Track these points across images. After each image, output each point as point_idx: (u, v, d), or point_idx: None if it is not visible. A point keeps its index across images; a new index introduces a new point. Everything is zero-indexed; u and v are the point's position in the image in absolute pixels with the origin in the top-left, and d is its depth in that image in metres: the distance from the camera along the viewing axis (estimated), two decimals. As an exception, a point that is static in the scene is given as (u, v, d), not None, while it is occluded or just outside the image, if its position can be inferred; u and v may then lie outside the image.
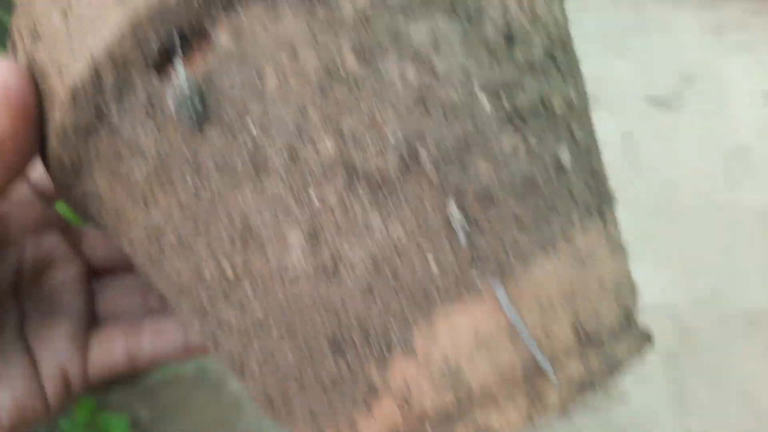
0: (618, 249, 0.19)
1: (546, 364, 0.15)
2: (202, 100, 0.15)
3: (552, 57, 0.17)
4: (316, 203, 0.15)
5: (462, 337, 0.15)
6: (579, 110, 0.18)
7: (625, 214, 1.12)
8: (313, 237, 0.15)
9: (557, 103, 0.17)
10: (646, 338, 0.19)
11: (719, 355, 0.98)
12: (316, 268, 0.15)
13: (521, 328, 0.15)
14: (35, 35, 0.16)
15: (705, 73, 1.82)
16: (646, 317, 0.89)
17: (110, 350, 0.24)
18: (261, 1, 0.14)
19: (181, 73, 0.14)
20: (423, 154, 0.14)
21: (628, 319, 0.18)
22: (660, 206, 1.32)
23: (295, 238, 0.15)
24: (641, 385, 0.94)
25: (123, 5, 0.14)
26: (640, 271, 1.09)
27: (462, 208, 0.15)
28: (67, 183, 0.19)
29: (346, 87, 0.14)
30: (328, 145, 0.14)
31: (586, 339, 0.16)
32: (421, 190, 0.15)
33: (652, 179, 1.40)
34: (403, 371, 0.15)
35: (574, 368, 0.16)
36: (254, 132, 0.14)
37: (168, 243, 0.17)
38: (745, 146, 1.47)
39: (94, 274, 0.26)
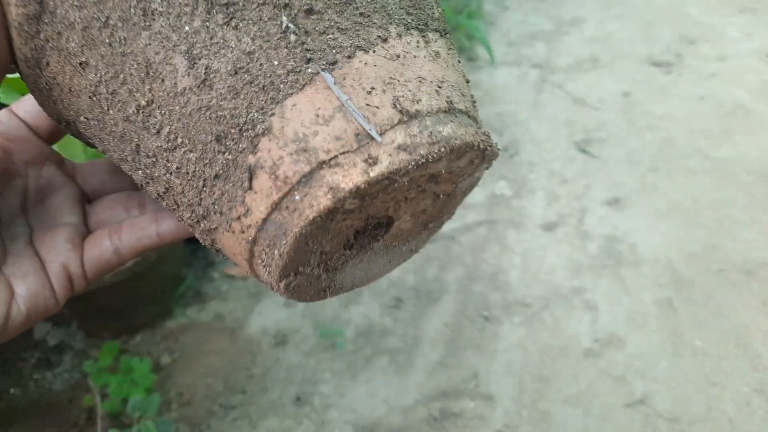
0: (441, 60, 0.23)
1: (372, 131, 0.19)
2: None
3: None
4: (189, 30, 0.19)
5: (306, 116, 0.19)
6: None
7: (624, 170, 1.17)
8: (190, 57, 0.19)
9: None
10: (486, 140, 0.23)
11: (714, 304, 1.02)
12: (196, 80, 0.19)
13: (349, 105, 0.19)
14: None
15: (705, 33, 1.83)
16: (643, 268, 0.94)
17: (100, 248, 0.29)
18: None
19: None
20: None
21: (450, 109, 0.22)
22: (658, 162, 1.35)
23: (179, 62, 0.19)
24: (638, 332, 0.98)
25: None
26: (639, 224, 1.15)
27: (292, 19, 0.19)
28: (34, 77, 0.24)
29: None
30: None
31: (406, 115, 0.20)
32: (260, 9, 0.19)
33: (651, 137, 1.43)
34: (268, 149, 0.20)
35: (399, 135, 0.20)
36: None
37: (103, 96, 0.22)
38: (743, 105, 1.49)
39: (87, 200, 0.32)
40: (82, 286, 0.29)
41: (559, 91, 1.65)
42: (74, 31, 0.21)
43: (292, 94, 0.19)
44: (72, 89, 0.23)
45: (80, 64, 0.21)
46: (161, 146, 0.21)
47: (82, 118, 0.24)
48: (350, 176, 0.19)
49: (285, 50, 0.19)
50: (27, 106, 0.29)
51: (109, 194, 0.32)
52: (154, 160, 0.22)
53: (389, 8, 0.22)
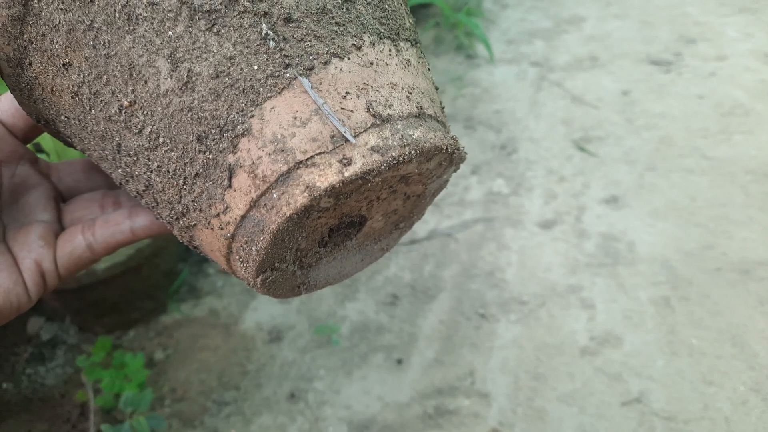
0: (412, 68, 0.24)
1: (347, 133, 0.20)
2: None
3: None
4: (172, 35, 0.20)
5: (284, 119, 0.20)
6: None
7: (622, 169, 1.16)
8: (173, 61, 0.20)
9: None
10: (453, 143, 0.24)
11: (711, 303, 1.02)
12: (178, 83, 0.20)
13: (325, 109, 0.20)
14: None
15: (704, 33, 1.83)
16: (640, 266, 0.93)
17: (73, 244, 0.29)
18: None
19: None
20: None
21: (420, 114, 0.23)
22: (656, 161, 1.35)
23: (162, 65, 0.20)
24: (634, 330, 0.98)
25: None
26: (636, 222, 1.14)
27: (271, 27, 0.20)
28: (15, 77, 0.24)
29: None
30: None
31: (379, 118, 0.21)
32: (241, 16, 0.20)
33: (649, 136, 1.43)
34: (247, 149, 0.21)
35: (372, 138, 0.21)
36: None
37: (85, 97, 0.22)
38: (741, 105, 1.49)
39: (61, 198, 0.32)
40: (55, 282, 0.29)
41: (558, 89, 1.65)
42: (59, 33, 0.22)
43: (270, 97, 0.20)
44: (54, 89, 0.23)
45: (63, 65, 0.22)
46: (143, 145, 0.22)
47: (62, 117, 0.24)
48: (326, 176, 0.20)
49: (264, 56, 0.20)
50: (2, 105, 0.29)
51: (84, 193, 0.32)
52: (135, 158, 0.23)
53: (363, 18, 0.23)
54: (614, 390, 0.90)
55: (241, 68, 0.20)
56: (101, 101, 0.22)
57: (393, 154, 0.21)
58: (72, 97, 0.23)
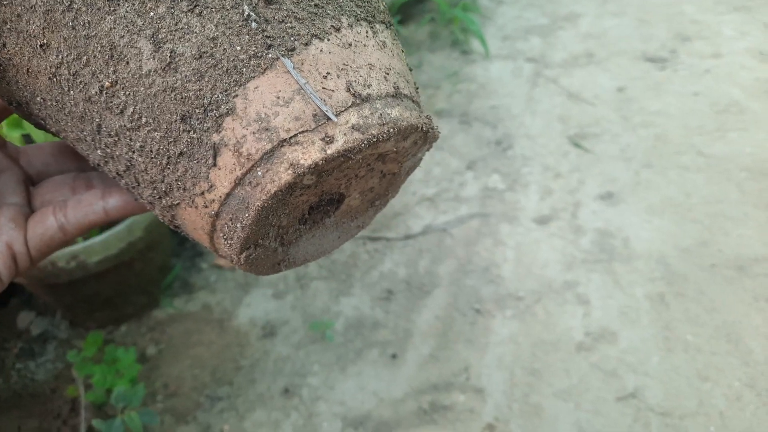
0: (387, 49, 0.25)
1: (329, 112, 0.21)
2: None
3: None
4: (154, 15, 0.20)
5: (267, 98, 0.21)
6: None
7: (617, 165, 1.16)
8: (156, 42, 0.20)
9: None
10: (428, 123, 0.25)
11: (707, 299, 1.01)
12: (161, 63, 0.21)
13: (307, 88, 0.21)
14: None
15: (700, 31, 1.83)
16: (636, 263, 0.93)
17: (44, 225, 0.28)
18: None
19: None
20: None
21: (397, 94, 0.24)
22: (652, 158, 1.35)
23: (145, 46, 0.21)
24: (630, 326, 0.98)
25: None
26: (632, 219, 1.14)
27: (253, 8, 0.21)
28: None
29: None
30: None
31: (359, 98, 0.22)
32: None
33: (645, 133, 1.43)
34: (232, 128, 0.21)
35: (352, 116, 0.22)
36: None
37: (63, 78, 0.22)
38: (737, 102, 1.49)
39: (31, 182, 0.31)
40: (27, 264, 0.28)
41: (554, 85, 1.64)
42: (35, 14, 0.21)
43: (254, 77, 0.21)
44: (30, 70, 0.23)
45: (41, 45, 0.22)
46: (124, 125, 0.22)
47: (38, 99, 0.24)
48: (309, 153, 0.21)
49: (247, 37, 0.21)
50: None
51: (54, 176, 0.31)
52: (116, 138, 0.23)
53: (340, 1, 0.24)
54: (610, 386, 0.90)
55: (224, 49, 0.21)
56: (81, 82, 0.22)
57: (373, 132, 0.22)
58: (50, 78, 0.23)
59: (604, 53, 1.77)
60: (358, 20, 0.24)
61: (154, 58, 0.20)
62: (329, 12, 0.23)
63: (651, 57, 1.73)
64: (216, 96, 0.21)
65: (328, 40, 0.22)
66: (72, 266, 0.87)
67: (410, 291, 1.08)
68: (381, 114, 0.22)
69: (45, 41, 0.22)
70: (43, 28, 0.22)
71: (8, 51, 0.23)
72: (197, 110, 0.21)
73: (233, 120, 0.21)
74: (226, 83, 0.21)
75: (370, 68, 0.23)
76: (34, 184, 0.31)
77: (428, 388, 0.92)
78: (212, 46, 0.20)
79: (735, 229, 1.14)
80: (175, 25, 0.20)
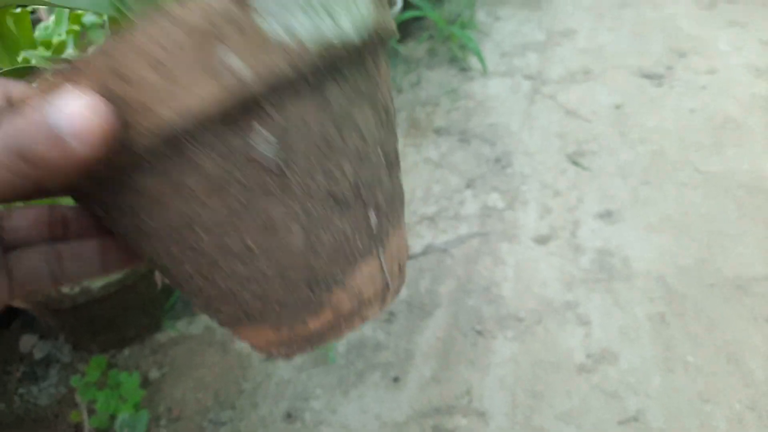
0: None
1: (390, 285, 0.29)
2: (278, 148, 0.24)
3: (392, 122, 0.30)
4: (313, 211, 0.25)
5: (365, 276, 0.27)
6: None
7: (616, 183, 1.17)
8: (307, 229, 0.25)
9: (393, 153, 0.30)
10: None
11: (707, 319, 1.02)
12: (305, 245, 0.25)
13: (385, 269, 0.28)
14: (123, 77, 0.21)
15: (695, 46, 1.85)
16: (636, 282, 0.93)
17: (36, 275, 0.28)
18: (304, 99, 0.23)
19: (262, 130, 0.23)
20: (361, 187, 0.26)
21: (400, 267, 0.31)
22: (649, 175, 1.36)
23: (296, 229, 0.25)
24: (630, 347, 0.98)
25: (214, 79, 0.21)
26: (631, 237, 1.14)
27: (376, 213, 0.27)
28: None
29: (334, 149, 0.25)
30: (321, 180, 0.24)
31: (400, 275, 0.30)
32: (360, 205, 0.26)
33: (642, 149, 1.44)
34: (338, 296, 0.27)
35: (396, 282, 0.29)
36: (286, 171, 0.24)
37: (200, 225, 0.24)
38: (733, 118, 1.51)
39: (12, 247, 0.29)
40: (7, 303, 0.27)
41: (551, 102, 1.66)
42: (203, 177, 0.24)
43: (360, 261, 0.27)
44: (161, 201, 0.24)
45: (191, 198, 0.24)
46: (243, 272, 0.26)
47: (148, 214, 0.25)
48: (374, 313, 0.29)
49: (365, 233, 0.27)
50: None
51: (37, 242, 0.30)
52: (228, 274, 0.26)
53: (398, 195, 0.30)
54: (611, 408, 0.90)
55: (350, 241, 0.26)
56: (219, 235, 0.25)
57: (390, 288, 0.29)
58: (180, 217, 0.24)
59: (601, 69, 1.79)
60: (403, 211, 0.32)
61: (300, 240, 0.25)
62: (397, 207, 0.29)
63: (647, 73, 1.75)
64: (336, 272, 0.26)
65: (400, 230, 0.30)
66: (76, 292, 0.88)
67: (411, 311, 1.08)
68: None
69: (199, 197, 0.23)
70: (205, 189, 0.23)
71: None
72: (321, 280, 0.26)
73: (341, 290, 0.27)
74: (344, 264, 0.26)
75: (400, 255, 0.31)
76: (13, 249, 0.29)
77: (431, 411, 0.92)
78: (344, 238, 0.26)
79: (734, 247, 1.15)
80: (323, 218, 0.25)
